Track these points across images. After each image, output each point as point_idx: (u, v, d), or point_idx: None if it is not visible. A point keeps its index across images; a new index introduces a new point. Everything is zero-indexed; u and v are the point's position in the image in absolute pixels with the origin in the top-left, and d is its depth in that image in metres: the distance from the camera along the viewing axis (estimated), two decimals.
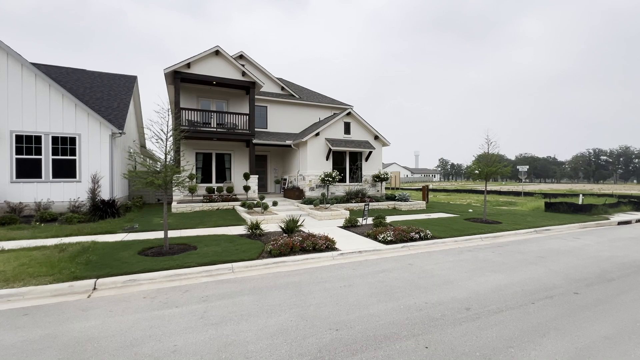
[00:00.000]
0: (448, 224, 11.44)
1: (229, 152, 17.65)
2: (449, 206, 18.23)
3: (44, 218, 10.21)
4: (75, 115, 11.96)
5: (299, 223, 9.76)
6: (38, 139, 11.43)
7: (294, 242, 7.30)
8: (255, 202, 12.79)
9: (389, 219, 11.73)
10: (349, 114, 16.90)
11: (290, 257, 6.86)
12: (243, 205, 12.90)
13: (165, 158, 7.25)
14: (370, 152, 17.09)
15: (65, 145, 11.84)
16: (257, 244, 7.84)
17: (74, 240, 8.02)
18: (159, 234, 9.17)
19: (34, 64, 14.74)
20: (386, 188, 36.83)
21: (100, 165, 12.33)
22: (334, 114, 18.15)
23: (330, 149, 15.95)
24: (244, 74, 15.95)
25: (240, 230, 9.70)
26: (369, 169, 17.39)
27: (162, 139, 7.08)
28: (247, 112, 16.73)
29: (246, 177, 15.53)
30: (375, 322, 3.94)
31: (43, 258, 6.31)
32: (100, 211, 10.96)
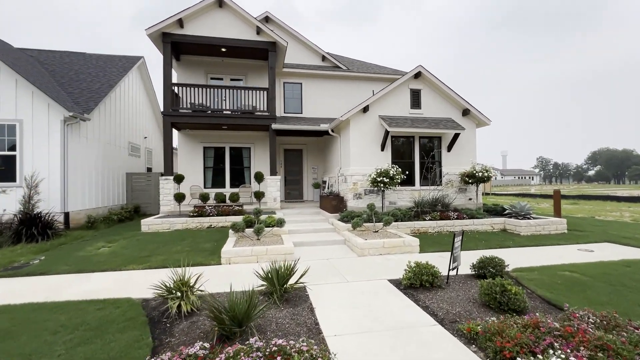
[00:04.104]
0: None
1: (247, 145, 13.05)
2: (606, 226, 10.28)
3: None
4: (16, 95, 8.63)
5: (294, 281, 4.27)
6: None
7: None
8: (250, 218, 7.62)
9: (507, 258, 5.27)
10: (418, 75, 10.62)
11: None
12: (249, 223, 7.75)
13: None
14: (456, 136, 10.48)
15: (2, 136, 8.57)
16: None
17: None
18: (44, 282, 4.69)
19: (21, 49, 12.47)
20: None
21: (49, 163, 8.76)
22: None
23: (387, 132, 9.95)
24: (259, 31, 11.15)
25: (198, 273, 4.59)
26: (453, 164, 10.78)
27: None
28: (266, 86, 11.88)
29: (259, 178, 10.59)
30: None
31: None
32: (16, 232, 7.18)
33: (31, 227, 7.29)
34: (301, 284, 4.44)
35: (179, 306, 3.71)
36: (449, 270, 4.71)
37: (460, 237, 4.95)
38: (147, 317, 3.68)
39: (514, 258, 6.09)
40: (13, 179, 8.55)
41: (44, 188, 8.54)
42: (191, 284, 4.01)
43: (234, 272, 5.46)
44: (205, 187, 12.33)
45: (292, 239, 7.34)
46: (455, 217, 8.99)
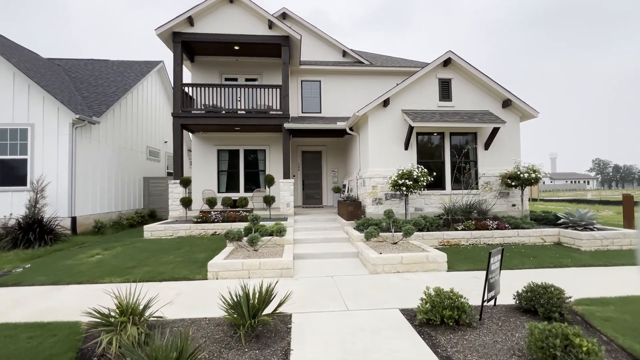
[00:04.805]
0: None
1: (263, 147, 12.39)
2: None
3: None
4: (29, 100, 8.66)
5: (271, 310, 3.29)
6: None
7: None
8: (251, 226, 6.78)
9: (567, 282, 3.88)
10: (447, 62, 9.26)
11: None
12: (248, 231, 6.95)
13: None
14: (495, 131, 8.95)
15: (15, 140, 8.61)
16: None
17: None
18: (7, 296, 4.21)
19: (50, 59, 12.92)
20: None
21: (57, 166, 8.66)
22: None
23: (411, 128, 8.71)
24: (271, 25, 10.48)
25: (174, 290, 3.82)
26: (492, 164, 9.23)
27: None
28: (280, 83, 11.14)
29: (269, 181, 9.83)
30: None
31: None
32: (13, 238, 6.98)
33: (28, 232, 7.08)
34: (282, 313, 3.46)
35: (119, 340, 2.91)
36: (483, 301, 3.47)
37: (499, 256, 3.68)
38: (79, 353, 2.92)
39: (576, 283, 4.63)
40: (24, 183, 8.55)
41: (51, 192, 8.43)
42: (140, 309, 3.20)
43: (219, 290, 4.58)
44: (219, 192, 11.81)
45: (296, 250, 6.43)
46: (494, 226, 7.49)
